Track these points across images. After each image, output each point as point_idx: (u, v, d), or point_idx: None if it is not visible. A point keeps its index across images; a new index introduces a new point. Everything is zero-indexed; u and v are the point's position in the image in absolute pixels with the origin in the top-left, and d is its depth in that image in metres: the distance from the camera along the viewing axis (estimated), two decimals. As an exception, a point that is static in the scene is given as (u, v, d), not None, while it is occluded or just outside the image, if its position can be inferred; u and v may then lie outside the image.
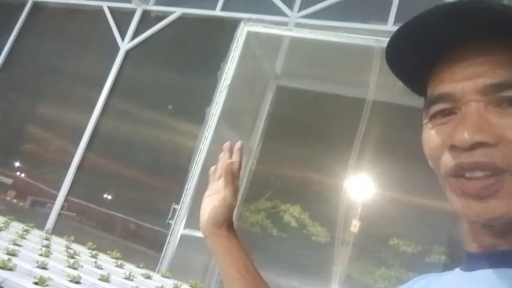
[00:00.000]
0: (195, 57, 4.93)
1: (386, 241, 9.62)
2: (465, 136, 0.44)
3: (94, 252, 3.22)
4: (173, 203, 4.05)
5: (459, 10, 0.45)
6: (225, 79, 4.12)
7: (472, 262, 0.51)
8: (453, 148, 0.47)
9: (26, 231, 3.36)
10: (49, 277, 2.25)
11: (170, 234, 3.86)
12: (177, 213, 3.91)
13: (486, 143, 0.44)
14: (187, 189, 3.93)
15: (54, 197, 4.83)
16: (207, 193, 0.88)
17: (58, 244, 3.23)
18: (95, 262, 2.90)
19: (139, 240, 4.51)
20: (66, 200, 4.82)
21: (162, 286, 2.73)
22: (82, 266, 2.73)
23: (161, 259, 3.80)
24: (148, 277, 2.97)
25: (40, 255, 2.78)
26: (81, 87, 5.39)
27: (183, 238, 3.94)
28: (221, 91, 4.10)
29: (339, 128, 5.72)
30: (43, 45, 5.85)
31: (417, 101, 0.58)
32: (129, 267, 3.15)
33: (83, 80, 5.42)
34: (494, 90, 0.45)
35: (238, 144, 0.88)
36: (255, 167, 4.93)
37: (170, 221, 3.96)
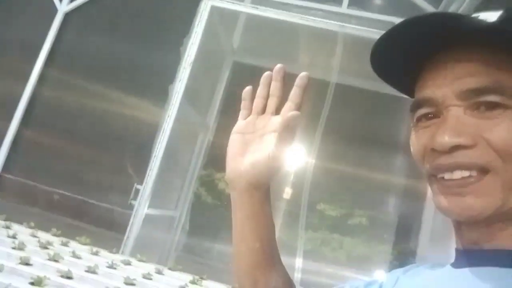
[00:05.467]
0: (147, 26, 4.65)
1: (314, 206, 10.31)
2: (444, 139, 0.47)
3: (64, 240, 3.06)
4: (135, 184, 3.93)
5: (430, 21, 0.48)
6: (188, 55, 3.99)
7: (459, 259, 0.52)
8: (433, 151, 0.49)
9: (-19, 219, 3.07)
10: (45, 276, 2.14)
11: (134, 215, 3.76)
12: (140, 193, 3.81)
13: (464, 145, 0.47)
14: (150, 169, 3.83)
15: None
16: (239, 128, 0.69)
17: (22, 233, 3.00)
18: (73, 252, 2.77)
19: (93, 220, 4.32)
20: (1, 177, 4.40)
21: (148, 273, 2.72)
22: (63, 258, 2.60)
23: (124, 240, 3.71)
24: (128, 264, 2.92)
25: (14, 248, 2.59)
26: (13, 54, 4.82)
27: (145, 217, 3.87)
28: (184, 68, 3.97)
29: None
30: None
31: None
32: (104, 253, 3.05)
33: (15, 46, 4.85)
34: (472, 95, 0.47)
35: (303, 78, 0.66)
36: (211, 144, 4.93)
37: (133, 201, 3.85)
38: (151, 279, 2.68)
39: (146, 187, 3.81)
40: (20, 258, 2.32)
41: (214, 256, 5.74)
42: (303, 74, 0.66)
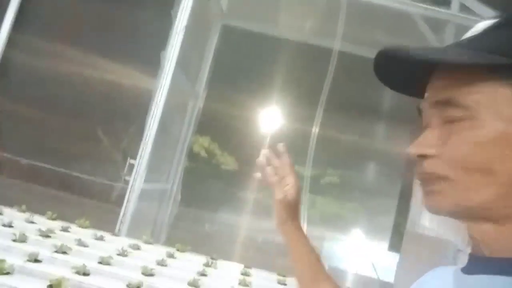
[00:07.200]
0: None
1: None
2: (412, 148, 0.52)
3: (64, 225, 2.86)
4: (128, 158, 3.72)
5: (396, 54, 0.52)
6: (180, 20, 3.69)
7: (469, 264, 0.54)
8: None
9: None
10: (63, 277, 1.98)
11: (130, 191, 3.59)
12: (135, 169, 3.61)
13: (427, 155, 0.51)
14: (145, 144, 3.61)
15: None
16: (275, 196, 0.98)
17: (16, 218, 2.78)
18: (79, 240, 2.60)
19: (78, 192, 4.10)
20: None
21: (162, 259, 2.61)
22: (71, 249, 2.43)
23: (120, 216, 3.56)
24: (137, 248, 2.80)
25: (14, 240, 2.39)
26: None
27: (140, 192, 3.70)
28: (176, 33, 3.68)
29: (261, 66, 5.65)
30: None
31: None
32: (110, 238, 2.90)
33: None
34: (439, 107, 0.51)
35: (280, 149, 0.94)
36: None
37: (127, 177, 3.65)
38: (166, 265, 2.58)
39: (141, 162, 3.61)
40: (28, 256, 2.14)
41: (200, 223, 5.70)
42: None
